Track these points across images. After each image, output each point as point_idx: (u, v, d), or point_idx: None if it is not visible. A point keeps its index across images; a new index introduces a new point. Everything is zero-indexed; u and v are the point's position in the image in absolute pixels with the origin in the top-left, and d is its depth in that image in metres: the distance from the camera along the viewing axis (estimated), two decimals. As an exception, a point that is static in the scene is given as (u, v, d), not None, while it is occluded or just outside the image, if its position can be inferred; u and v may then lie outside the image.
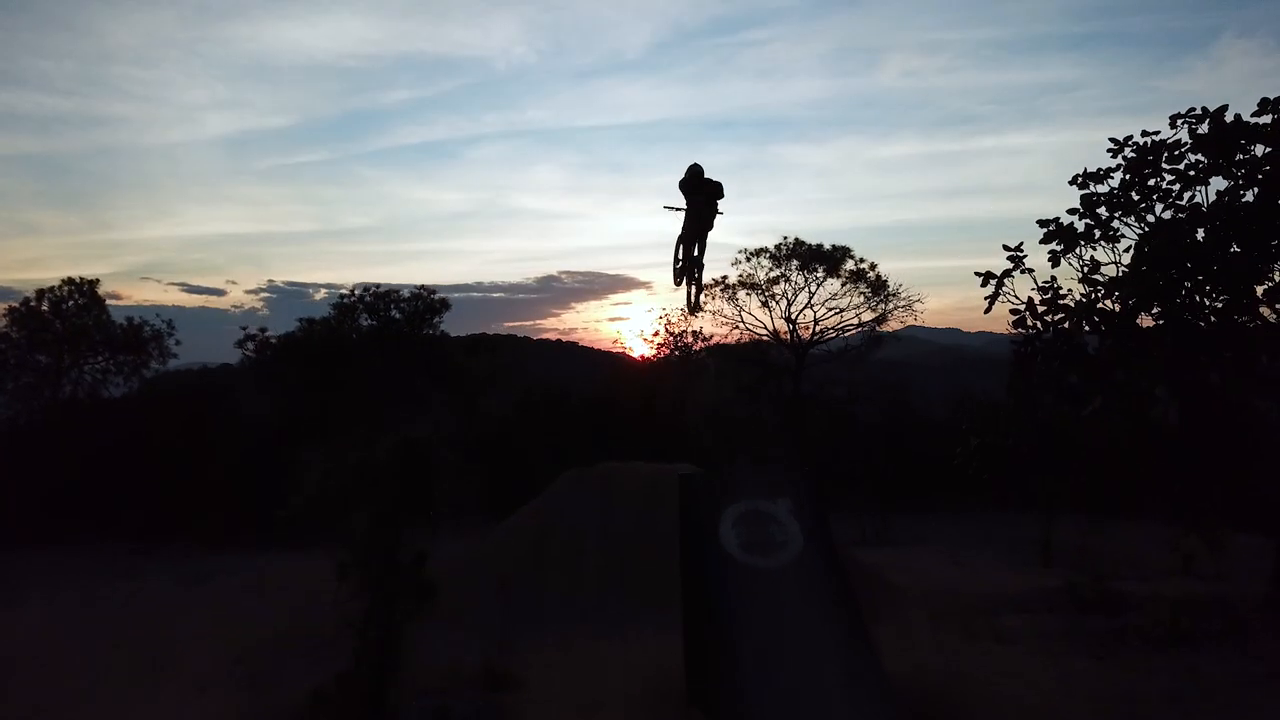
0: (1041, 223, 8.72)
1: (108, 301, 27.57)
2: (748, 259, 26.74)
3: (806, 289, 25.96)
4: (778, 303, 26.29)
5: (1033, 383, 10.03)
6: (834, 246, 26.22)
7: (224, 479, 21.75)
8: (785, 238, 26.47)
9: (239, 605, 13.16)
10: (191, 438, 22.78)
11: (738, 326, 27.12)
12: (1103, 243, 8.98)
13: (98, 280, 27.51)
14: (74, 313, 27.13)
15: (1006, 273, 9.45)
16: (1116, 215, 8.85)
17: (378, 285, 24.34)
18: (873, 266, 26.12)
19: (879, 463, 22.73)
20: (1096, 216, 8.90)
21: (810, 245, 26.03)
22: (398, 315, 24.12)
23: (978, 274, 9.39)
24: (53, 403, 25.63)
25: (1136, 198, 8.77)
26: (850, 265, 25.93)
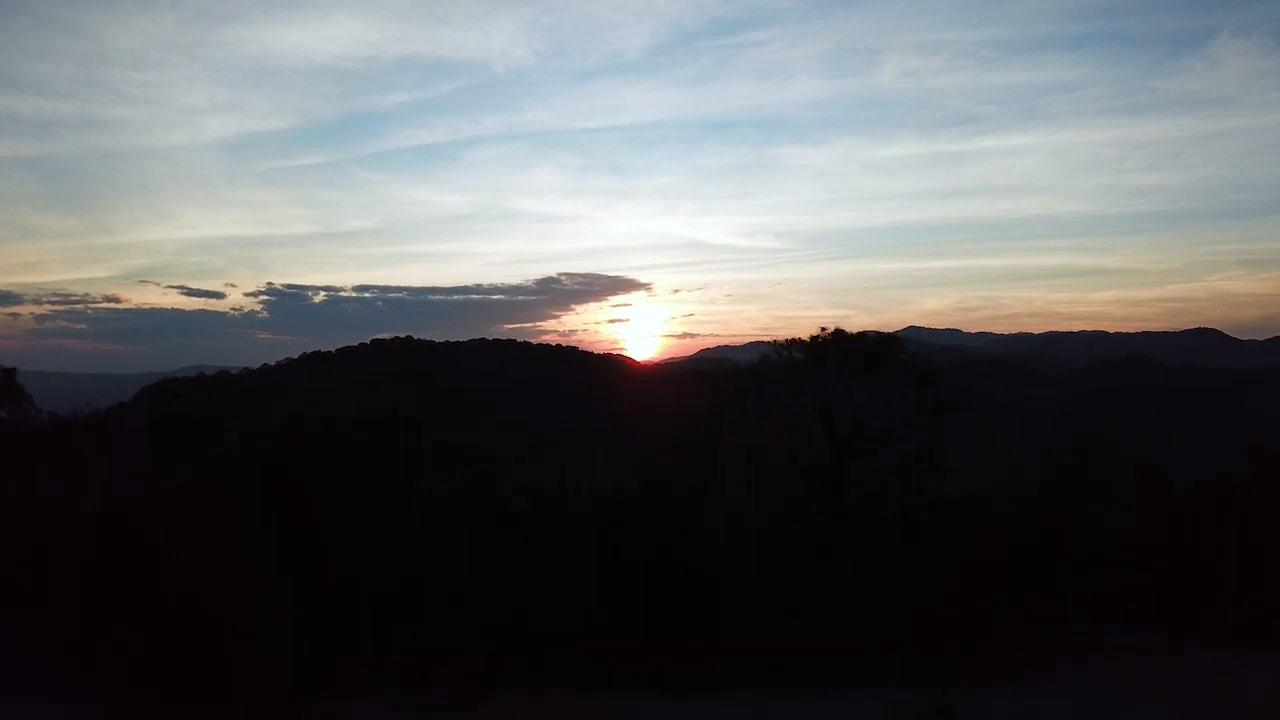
0: None
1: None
2: (777, 353, 23.23)
3: (845, 386, 22.38)
4: (813, 401, 22.71)
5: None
6: (881, 336, 22.66)
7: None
8: (824, 329, 22.94)
9: None
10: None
11: (766, 423, 23.62)
12: None
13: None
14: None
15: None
16: None
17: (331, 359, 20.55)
18: (926, 362, 22.46)
19: (944, 599, 18.86)
20: None
21: (850, 335, 22.44)
22: (357, 437, 20.23)
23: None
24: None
25: None
26: (902, 358, 22.27)
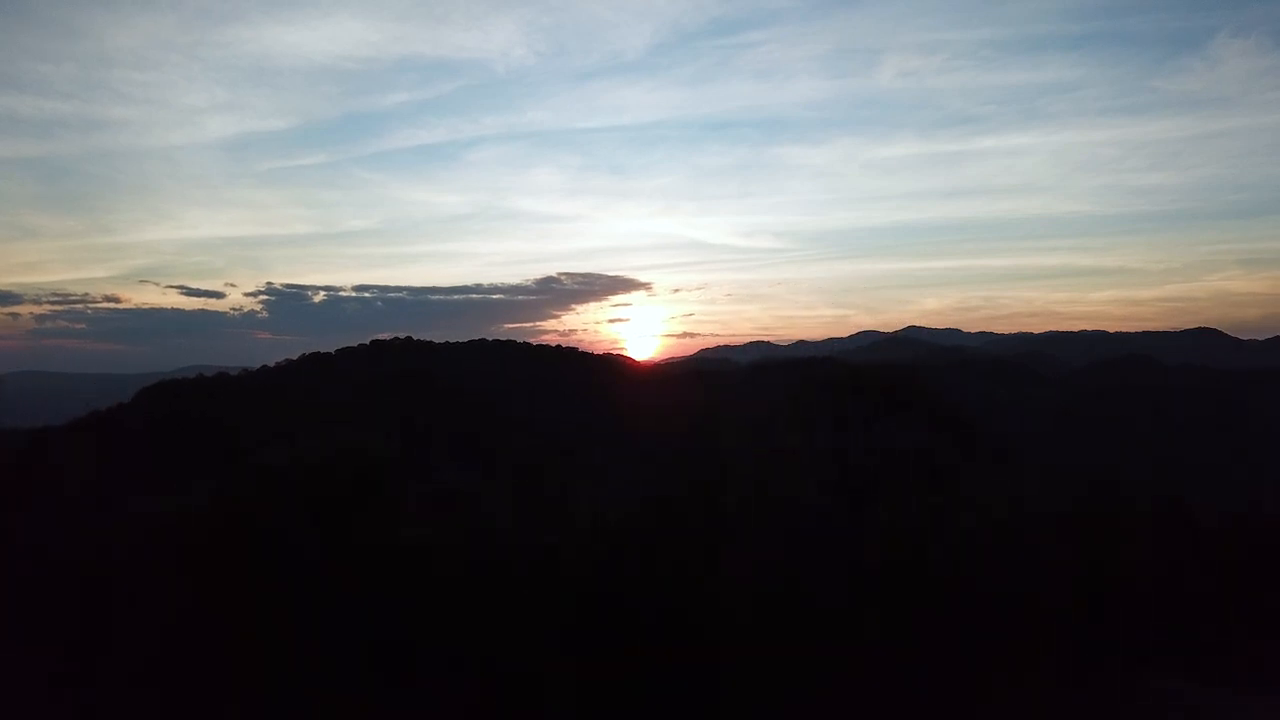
0: None
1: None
2: (796, 393, 22.41)
3: (863, 430, 21.56)
4: (827, 438, 21.87)
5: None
6: (896, 373, 21.79)
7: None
8: (842, 366, 22.04)
9: None
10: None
11: (774, 465, 22.79)
12: None
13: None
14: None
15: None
16: None
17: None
18: (942, 399, 21.59)
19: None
20: None
21: (866, 371, 21.56)
22: (335, 490, 19.23)
23: None
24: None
25: None
26: (922, 401, 21.44)
